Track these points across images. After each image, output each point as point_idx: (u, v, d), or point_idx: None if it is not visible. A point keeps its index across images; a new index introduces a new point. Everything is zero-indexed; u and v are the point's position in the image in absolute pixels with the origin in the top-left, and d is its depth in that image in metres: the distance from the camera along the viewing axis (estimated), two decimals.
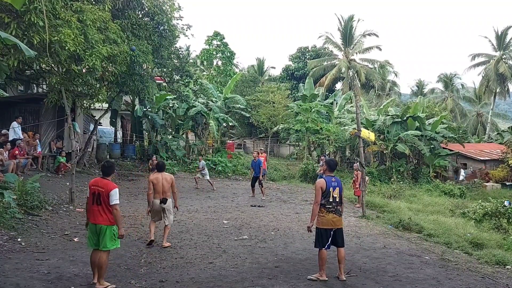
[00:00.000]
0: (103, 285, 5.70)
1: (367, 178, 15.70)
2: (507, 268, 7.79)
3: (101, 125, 25.27)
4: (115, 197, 5.67)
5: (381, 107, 31.64)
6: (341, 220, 6.54)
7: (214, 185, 17.77)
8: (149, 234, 8.31)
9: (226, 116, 28.81)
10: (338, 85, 45.39)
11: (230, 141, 34.68)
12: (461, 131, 33.02)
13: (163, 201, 8.05)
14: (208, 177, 17.89)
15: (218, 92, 31.41)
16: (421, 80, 54.12)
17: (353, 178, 16.25)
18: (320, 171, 18.98)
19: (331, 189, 6.44)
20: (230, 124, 30.44)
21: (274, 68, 60.37)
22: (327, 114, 29.40)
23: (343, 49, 42.91)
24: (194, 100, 26.92)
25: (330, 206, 6.43)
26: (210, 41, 41.49)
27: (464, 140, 29.90)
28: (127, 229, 9.49)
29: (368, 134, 18.01)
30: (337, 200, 6.49)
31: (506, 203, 14.50)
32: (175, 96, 24.72)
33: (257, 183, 15.82)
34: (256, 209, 13.18)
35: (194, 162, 24.45)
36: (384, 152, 27.02)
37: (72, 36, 10.36)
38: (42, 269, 6.29)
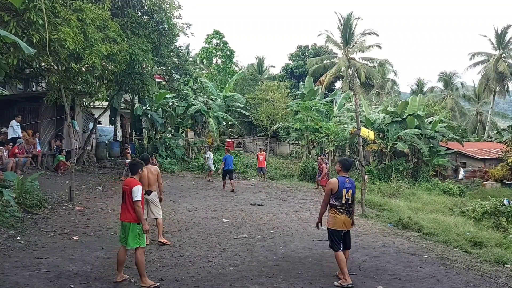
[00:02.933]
0: (147, 283, 5.76)
1: (366, 176, 15.72)
2: (506, 267, 7.80)
3: (101, 124, 25.28)
4: (136, 193, 5.78)
5: (380, 108, 31.70)
6: (351, 222, 6.36)
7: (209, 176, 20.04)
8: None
9: (225, 114, 28.82)
10: (338, 84, 45.42)
11: (230, 140, 34.69)
12: (460, 130, 33.07)
13: (147, 192, 8.00)
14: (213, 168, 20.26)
15: (217, 90, 31.44)
16: (421, 79, 54.23)
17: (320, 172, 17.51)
18: (320, 169, 19.06)
19: (343, 190, 6.19)
20: (230, 122, 30.44)
21: (274, 67, 60.39)
22: (326, 112, 29.44)
23: (343, 47, 42.90)
24: (193, 99, 26.94)
25: (343, 208, 6.21)
26: (209, 39, 41.48)
27: (463, 139, 29.95)
28: None
29: (367, 133, 17.98)
30: (350, 202, 6.28)
31: (505, 201, 14.51)
32: (175, 95, 24.73)
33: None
34: (256, 207, 13.18)
35: (194, 160, 24.49)
36: (384, 150, 27.06)
37: (72, 35, 10.35)
38: (41, 268, 6.30)
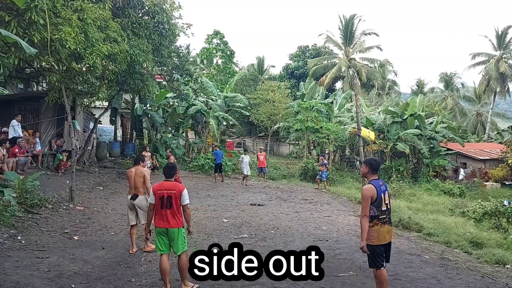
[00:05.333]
0: (188, 285, 5.68)
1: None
2: (507, 267, 7.81)
3: (101, 124, 25.29)
4: (186, 196, 5.73)
5: (380, 108, 31.70)
6: (392, 231, 5.50)
7: (246, 181, 19.65)
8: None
9: (226, 114, 28.83)
10: (338, 84, 45.39)
11: (230, 140, 34.69)
12: (460, 131, 33.07)
13: (133, 197, 7.59)
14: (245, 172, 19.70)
15: (218, 90, 31.45)
16: (421, 79, 54.20)
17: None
18: (320, 168, 19.24)
19: (382, 195, 5.27)
20: (230, 122, 30.44)
21: (274, 66, 60.60)
22: (327, 113, 29.49)
23: (343, 48, 42.88)
24: (194, 99, 26.95)
25: (384, 216, 5.27)
26: (210, 39, 41.47)
27: (463, 140, 29.95)
28: (127, 228, 9.50)
29: (368, 133, 18.01)
30: (389, 207, 5.39)
31: (505, 202, 14.51)
32: (175, 95, 24.75)
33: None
34: (256, 208, 13.19)
35: (194, 160, 24.49)
36: (384, 151, 27.06)
37: (73, 35, 10.35)
38: (42, 267, 6.30)
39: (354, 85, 41.53)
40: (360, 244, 5.24)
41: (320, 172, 18.98)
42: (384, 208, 5.25)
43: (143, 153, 17.87)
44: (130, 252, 7.54)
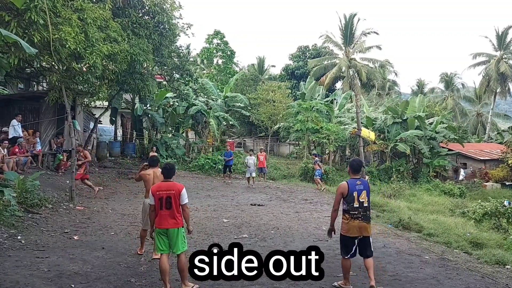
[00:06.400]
0: (188, 286, 5.66)
1: (367, 177, 15.73)
2: (507, 268, 7.80)
3: (101, 123, 25.29)
4: (185, 196, 5.72)
5: (381, 108, 31.69)
6: (368, 227, 5.92)
7: (252, 184, 18.87)
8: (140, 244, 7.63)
9: (226, 114, 28.82)
10: (338, 84, 45.36)
11: (230, 140, 34.68)
12: (461, 131, 33.07)
13: None
14: (248, 174, 18.94)
15: (218, 90, 31.45)
16: (422, 79, 54.17)
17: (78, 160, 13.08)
18: (314, 167, 19.41)
19: (355, 193, 5.79)
20: (230, 122, 30.46)
21: (274, 66, 60.61)
22: (327, 113, 29.47)
23: (343, 48, 42.85)
24: (194, 99, 26.95)
25: (356, 212, 5.78)
26: (210, 39, 41.46)
27: (464, 140, 29.95)
28: (127, 227, 9.51)
29: (368, 134, 18.02)
30: (365, 205, 5.85)
31: (505, 202, 14.52)
32: (175, 94, 24.76)
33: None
34: (256, 208, 13.18)
35: (194, 160, 24.48)
36: (384, 151, 27.05)
37: (73, 34, 10.36)
38: (42, 267, 6.29)
39: (354, 85, 41.48)
40: (329, 227, 6.10)
41: (315, 171, 19.24)
42: (356, 205, 5.80)
43: (151, 153, 17.66)
44: (139, 252, 7.46)
